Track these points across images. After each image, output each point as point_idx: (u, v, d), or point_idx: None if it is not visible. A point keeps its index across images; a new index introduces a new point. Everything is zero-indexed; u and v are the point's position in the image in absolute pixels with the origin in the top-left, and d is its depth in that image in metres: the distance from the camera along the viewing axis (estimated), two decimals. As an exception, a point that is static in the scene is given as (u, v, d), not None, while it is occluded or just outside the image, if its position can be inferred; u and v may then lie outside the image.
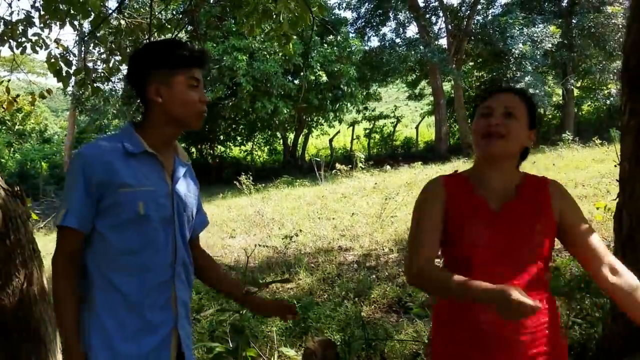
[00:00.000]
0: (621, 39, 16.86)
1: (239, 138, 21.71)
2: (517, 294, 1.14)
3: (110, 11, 4.58)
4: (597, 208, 5.58)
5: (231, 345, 2.28)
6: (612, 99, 19.01)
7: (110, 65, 6.10)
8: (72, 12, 3.45)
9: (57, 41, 5.30)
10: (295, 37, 5.99)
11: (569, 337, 2.59)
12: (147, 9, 6.01)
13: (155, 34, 4.89)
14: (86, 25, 7.04)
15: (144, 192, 1.52)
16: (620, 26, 16.60)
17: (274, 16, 5.58)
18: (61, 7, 2.91)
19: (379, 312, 4.29)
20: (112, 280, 1.50)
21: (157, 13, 4.40)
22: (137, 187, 1.51)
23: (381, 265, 5.64)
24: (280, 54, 15.08)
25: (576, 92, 21.53)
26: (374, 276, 5.24)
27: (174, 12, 10.57)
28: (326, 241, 6.92)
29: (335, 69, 16.40)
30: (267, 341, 3.67)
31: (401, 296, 4.56)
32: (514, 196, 1.50)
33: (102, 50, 5.73)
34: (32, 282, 2.39)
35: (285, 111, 16.04)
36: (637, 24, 1.92)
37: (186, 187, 1.69)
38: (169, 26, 5.36)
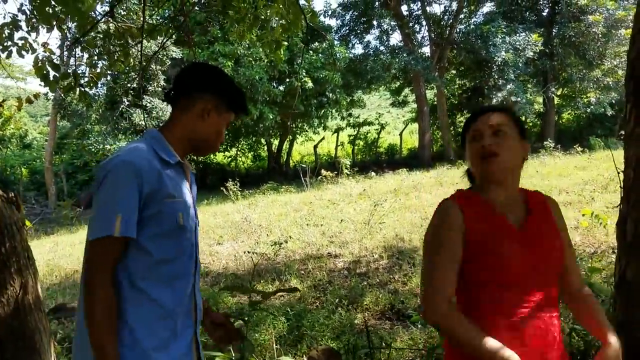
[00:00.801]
0: (600, 48, 17.25)
1: (223, 144, 21.60)
2: None
3: (100, 15, 4.52)
4: (583, 215, 5.68)
5: (233, 354, 2.24)
6: (592, 107, 19.36)
7: (98, 70, 6.03)
8: (62, 15, 3.39)
9: (44, 45, 5.22)
10: (285, 43, 5.98)
11: (569, 345, 2.61)
12: (134, 14, 5.95)
13: (146, 39, 4.84)
14: (74, 30, 6.93)
15: (182, 202, 1.54)
16: (600, 35, 16.95)
17: (265, 22, 5.58)
18: (55, 10, 2.85)
19: (373, 319, 4.28)
20: (146, 291, 1.47)
21: (147, 17, 4.35)
22: (177, 198, 1.53)
23: (372, 271, 5.64)
24: (265, 60, 15.07)
25: (557, 100, 21.90)
26: (365, 283, 5.23)
27: (160, 18, 10.49)
28: (315, 248, 6.90)
29: (321, 75, 16.45)
30: (261, 350, 3.63)
31: (393, 303, 4.56)
32: (525, 213, 1.52)
33: (89, 55, 5.64)
34: (27, 290, 2.33)
35: (270, 117, 16.01)
36: None
37: (195, 197, 1.75)
38: (160, 29, 5.32)
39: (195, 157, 21.00)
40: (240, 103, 1.67)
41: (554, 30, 19.74)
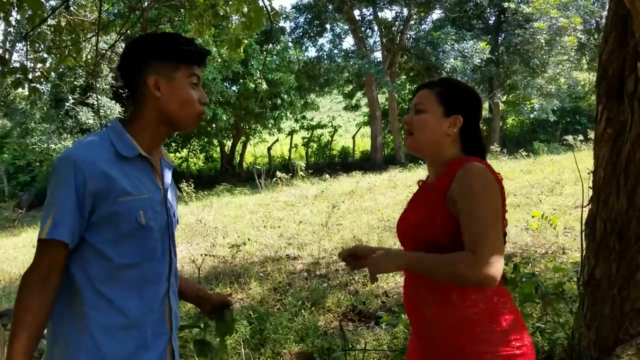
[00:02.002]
0: (544, 56, 18.03)
1: (173, 144, 21.10)
2: None
3: (51, 8, 4.31)
4: (533, 217, 5.90)
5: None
6: (535, 113, 20.23)
7: (47, 65, 5.75)
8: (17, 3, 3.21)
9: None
10: (246, 41, 5.92)
11: (534, 345, 2.69)
12: (88, 7, 5.73)
13: (101, 34, 4.65)
14: (23, 22, 6.60)
15: (143, 200, 1.39)
16: (544, 43, 17.72)
17: (225, 19, 5.50)
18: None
19: (335, 321, 4.28)
20: (109, 298, 1.35)
21: (103, 10, 4.19)
22: (136, 195, 1.38)
23: (331, 273, 5.65)
24: (219, 60, 14.85)
25: (502, 106, 22.75)
26: (325, 284, 5.23)
27: (109, 13, 10.13)
28: (273, 250, 6.85)
29: (275, 77, 16.39)
30: (226, 355, 3.55)
31: (355, 304, 4.58)
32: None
33: (38, 49, 5.37)
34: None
35: (224, 118, 15.79)
36: (615, 33, 2.01)
37: (172, 191, 1.60)
38: (115, 23, 5.14)
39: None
40: (182, 49, 1.42)
41: (500, 38, 20.50)
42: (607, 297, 2.00)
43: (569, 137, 15.58)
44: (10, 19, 4.92)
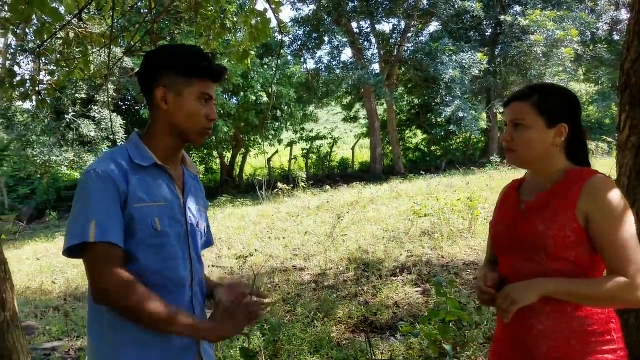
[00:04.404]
0: (541, 68, 18.15)
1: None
2: None
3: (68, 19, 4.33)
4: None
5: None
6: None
7: (55, 77, 5.76)
8: (37, 14, 3.23)
9: (-1, 51, 4.98)
10: (253, 52, 5.96)
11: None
12: (101, 19, 5.75)
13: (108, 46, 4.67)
14: (31, 36, 6.64)
15: (159, 207, 1.42)
16: (541, 55, 17.86)
17: (232, 31, 5.55)
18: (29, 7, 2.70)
19: (347, 332, 4.26)
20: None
21: (115, 23, 4.21)
22: (151, 202, 1.40)
23: (340, 284, 5.63)
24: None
25: (499, 117, 22.87)
26: (335, 295, 5.21)
27: (121, 26, 10.19)
28: (279, 261, 6.83)
29: (276, 90, 16.48)
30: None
31: (366, 315, 4.56)
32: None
33: (47, 62, 5.39)
34: (5, 307, 2.17)
35: (225, 130, 15.81)
36: (638, 42, 2.00)
37: (197, 201, 1.60)
38: (125, 35, 5.17)
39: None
40: (195, 64, 1.44)
41: (497, 50, 20.67)
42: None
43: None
44: (19, 31, 4.94)
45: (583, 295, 1.39)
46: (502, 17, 18.96)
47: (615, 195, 1.40)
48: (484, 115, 21.45)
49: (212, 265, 6.49)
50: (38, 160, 13.49)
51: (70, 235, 1.33)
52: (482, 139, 24.35)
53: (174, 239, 1.44)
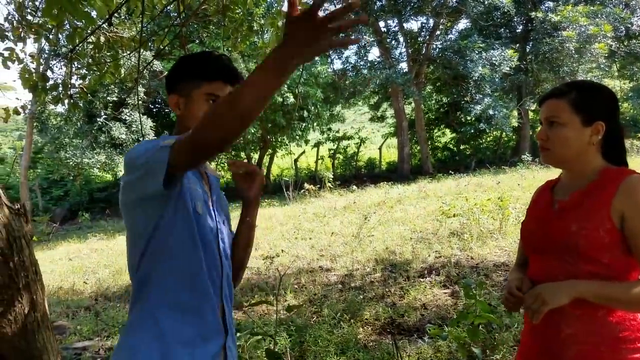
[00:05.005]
0: (574, 64, 17.71)
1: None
2: None
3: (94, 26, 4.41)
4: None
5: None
6: (565, 121, 19.83)
7: (87, 81, 5.89)
8: (70, 18, 3.30)
9: (31, 55, 5.10)
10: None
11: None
12: (130, 23, 5.87)
13: (142, 50, 4.75)
14: (63, 40, 6.82)
15: (198, 193, 1.44)
16: (573, 51, 17.42)
17: (260, 33, 5.57)
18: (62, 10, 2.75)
19: (374, 334, 4.22)
20: (167, 282, 1.37)
21: (145, 27, 4.27)
22: (193, 185, 1.43)
23: (367, 285, 5.59)
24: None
25: (531, 114, 22.41)
26: (361, 296, 5.17)
27: (150, 31, 10.38)
28: (306, 261, 6.83)
29: (302, 90, 16.52)
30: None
31: (393, 317, 4.51)
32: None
33: (79, 66, 5.52)
34: (35, 307, 2.21)
35: (252, 131, 15.94)
36: None
37: (221, 200, 1.63)
38: (155, 38, 5.24)
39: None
40: (201, 66, 1.46)
41: (528, 47, 20.25)
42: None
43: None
44: (51, 36, 5.06)
45: (616, 298, 1.34)
46: (533, 13, 18.57)
47: None
48: (515, 113, 21.06)
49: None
50: (71, 163, 13.88)
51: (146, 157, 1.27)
52: (513, 137, 23.90)
53: (208, 227, 1.45)
